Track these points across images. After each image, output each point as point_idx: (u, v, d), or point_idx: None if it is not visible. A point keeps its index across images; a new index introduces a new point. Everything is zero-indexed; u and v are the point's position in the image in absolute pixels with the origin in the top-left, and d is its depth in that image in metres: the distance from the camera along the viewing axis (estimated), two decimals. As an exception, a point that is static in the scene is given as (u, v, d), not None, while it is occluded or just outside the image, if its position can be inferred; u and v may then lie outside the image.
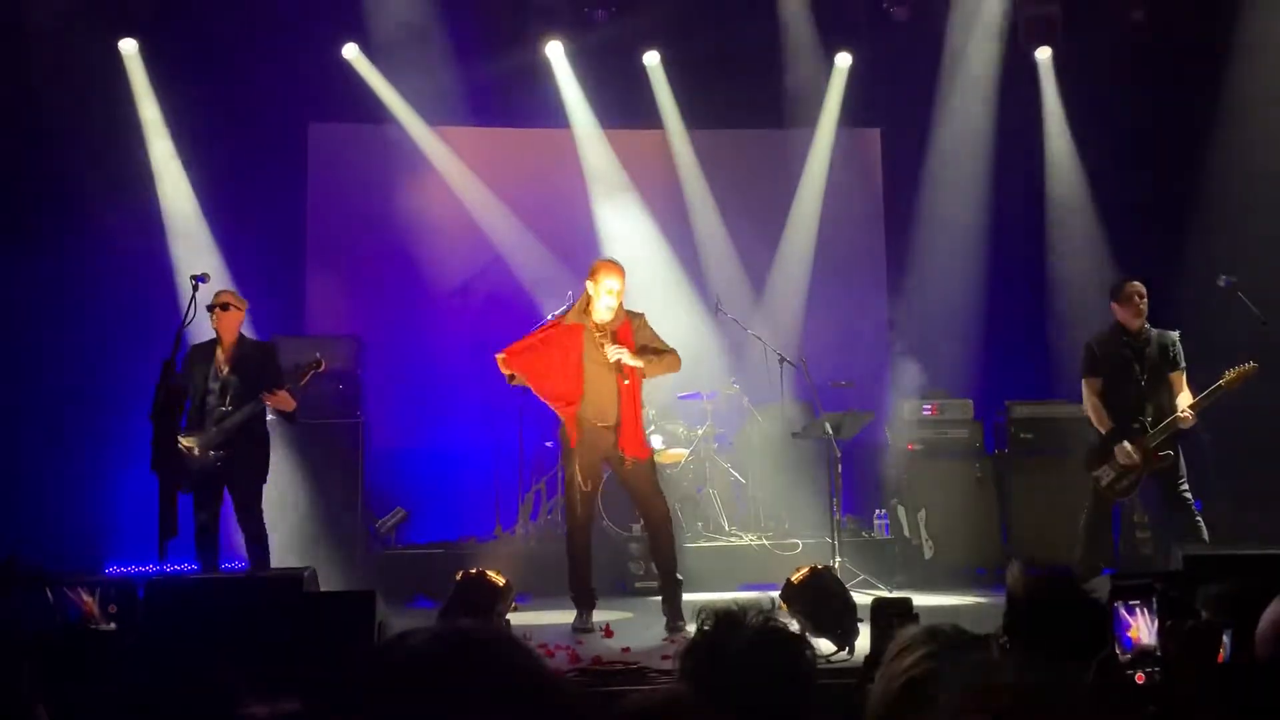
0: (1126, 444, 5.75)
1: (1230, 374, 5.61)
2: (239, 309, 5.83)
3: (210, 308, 5.74)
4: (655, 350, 5.49)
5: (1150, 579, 2.26)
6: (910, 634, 1.74)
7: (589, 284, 5.49)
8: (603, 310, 5.44)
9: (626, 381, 5.39)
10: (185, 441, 5.57)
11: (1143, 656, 2.08)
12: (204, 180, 7.85)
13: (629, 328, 5.48)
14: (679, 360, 5.54)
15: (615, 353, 5.35)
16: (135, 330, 7.08)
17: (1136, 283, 5.88)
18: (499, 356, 5.44)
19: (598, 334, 5.44)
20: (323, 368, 5.92)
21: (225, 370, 5.75)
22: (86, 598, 4.45)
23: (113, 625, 4.38)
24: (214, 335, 5.82)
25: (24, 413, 7.30)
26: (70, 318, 7.38)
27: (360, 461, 7.16)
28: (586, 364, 5.44)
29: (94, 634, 4.31)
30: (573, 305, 5.75)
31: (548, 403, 5.53)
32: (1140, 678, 2.04)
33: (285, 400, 5.74)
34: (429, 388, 8.15)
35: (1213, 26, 7.49)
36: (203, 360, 5.76)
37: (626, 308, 5.54)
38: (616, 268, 5.47)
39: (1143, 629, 2.11)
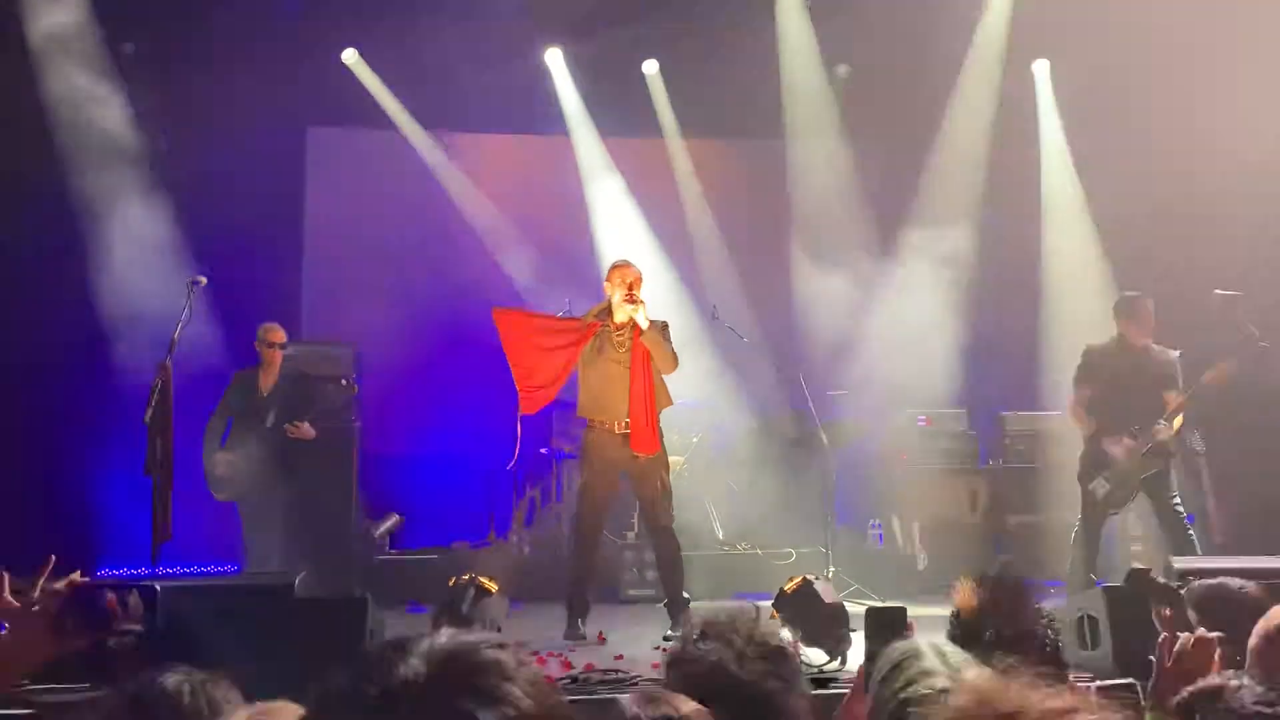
0: (1125, 439, 5.73)
1: (1209, 373, 5.66)
2: (284, 343, 6.27)
3: (268, 346, 6.20)
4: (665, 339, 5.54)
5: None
6: (900, 650, 1.72)
7: (606, 286, 5.60)
8: (621, 308, 5.47)
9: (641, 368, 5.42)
10: (232, 459, 6.03)
11: None
12: (202, 183, 7.83)
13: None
14: (676, 363, 5.56)
15: (630, 310, 5.39)
16: (131, 332, 7.07)
17: (1147, 301, 5.87)
18: (495, 311, 5.57)
19: (616, 333, 5.48)
20: (355, 392, 6.61)
21: (266, 394, 6.20)
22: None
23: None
24: (258, 361, 6.26)
25: (16, 414, 7.28)
26: (65, 319, 7.35)
27: (355, 467, 7.15)
28: (601, 364, 5.50)
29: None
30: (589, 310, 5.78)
31: (514, 373, 5.52)
32: None
33: (306, 431, 6.18)
34: (424, 393, 8.14)
35: (1208, 34, 7.50)
36: (246, 385, 6.24)
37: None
38: (626, 263, 5.63)
39: None
